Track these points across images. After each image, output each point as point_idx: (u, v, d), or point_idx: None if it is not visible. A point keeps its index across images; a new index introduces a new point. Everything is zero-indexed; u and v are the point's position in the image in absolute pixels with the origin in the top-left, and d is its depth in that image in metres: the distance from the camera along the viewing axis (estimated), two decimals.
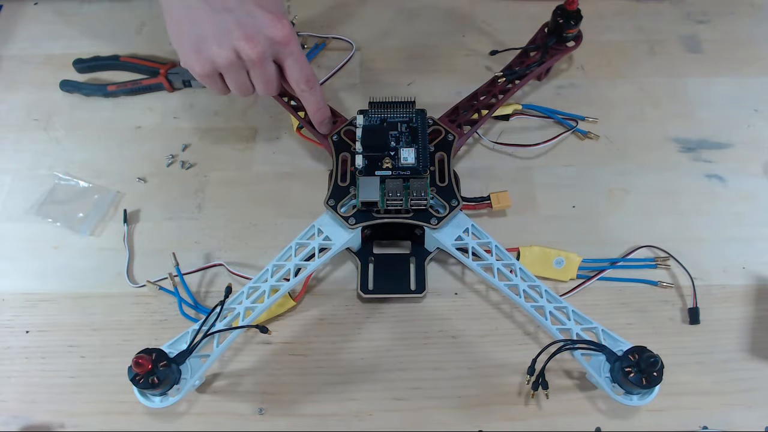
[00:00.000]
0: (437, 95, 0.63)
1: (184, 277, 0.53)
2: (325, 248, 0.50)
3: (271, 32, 0.45)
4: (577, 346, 0.46)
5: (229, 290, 0.48)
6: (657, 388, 0.44)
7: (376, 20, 0.70)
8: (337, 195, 0.51)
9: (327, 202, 0.51)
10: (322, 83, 0.64)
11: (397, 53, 0.68)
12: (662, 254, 0.54)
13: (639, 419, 0.47)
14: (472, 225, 0.51)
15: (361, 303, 0.53)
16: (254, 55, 0.45)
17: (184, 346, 0.45)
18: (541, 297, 0.48)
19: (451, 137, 0.55)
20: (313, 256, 0.50)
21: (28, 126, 0.63)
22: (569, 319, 0.47)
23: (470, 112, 0.57)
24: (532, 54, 0.61)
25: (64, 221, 0.57)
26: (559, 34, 0.60)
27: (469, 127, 0.57)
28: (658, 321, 0.52)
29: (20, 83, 0.66)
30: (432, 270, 0.54)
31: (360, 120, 0.55)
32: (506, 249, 0.51)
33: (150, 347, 0.44)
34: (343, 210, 0.51)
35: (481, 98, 0.59)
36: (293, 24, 0.65)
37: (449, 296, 0.53)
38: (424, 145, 0.54)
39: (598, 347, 0.45)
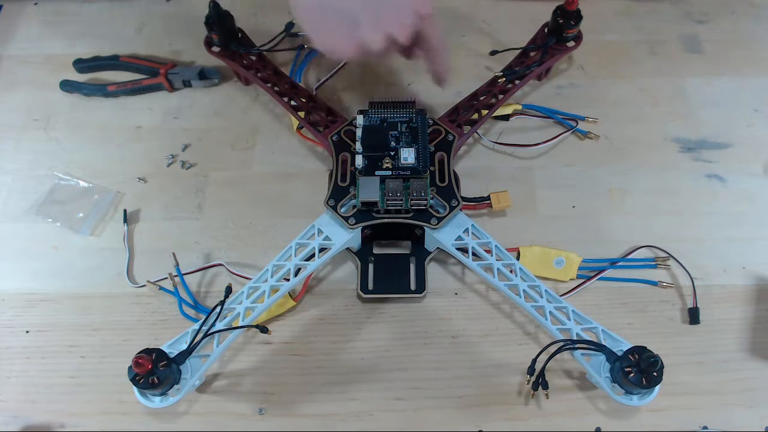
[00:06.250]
0: (437, 95, 0.62)
1: (184, 277, 0.53)
2: (325, 248, 0.50)
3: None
4: (577, 346, 0.45)
5: (229, 290, 0.48)
6: (657, 388, 0.44)
7: None
8: (337, 195, 0.51)
9: (327, 202, 0.51)
10: (322, 83, 0.64)
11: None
12: (662, 254, 0.54)
13: (639, 419, 0.47)
14: (472, 225, 0.51)
15: (361, 303, 0.53)
16: (404, 39, 0.48)
17: (184, 346, 0.45)
18: (541, 297, 0.48)
19: (451, 137, 0.55)
20: (313, 256, 0.50)
21: (28, 126, 0.63)
22: (569, 319, 0.47)
23: (470, 112, 0.57)
24: (532, 54, 0.61)
25: (64, 221, 0.57)
26: (559, 34, 0.60)
27: (469, 127, 0.57)
28: (658, 321, 0.52)
29: (20, 83, 0.66)
30: (432, 270, 0.54)
31: (360, 120, 0.55)
32: (506, 249, 0.51)
33: (150, 347, 0.44)
34: (343, 210, 0.51)
35: (481, 98, 0.59)
36: (293, 23, 0.65)
37: (449, 296, 0.53)
38: (424, 145, 0.54)
39: (598, 347, 0.45)
